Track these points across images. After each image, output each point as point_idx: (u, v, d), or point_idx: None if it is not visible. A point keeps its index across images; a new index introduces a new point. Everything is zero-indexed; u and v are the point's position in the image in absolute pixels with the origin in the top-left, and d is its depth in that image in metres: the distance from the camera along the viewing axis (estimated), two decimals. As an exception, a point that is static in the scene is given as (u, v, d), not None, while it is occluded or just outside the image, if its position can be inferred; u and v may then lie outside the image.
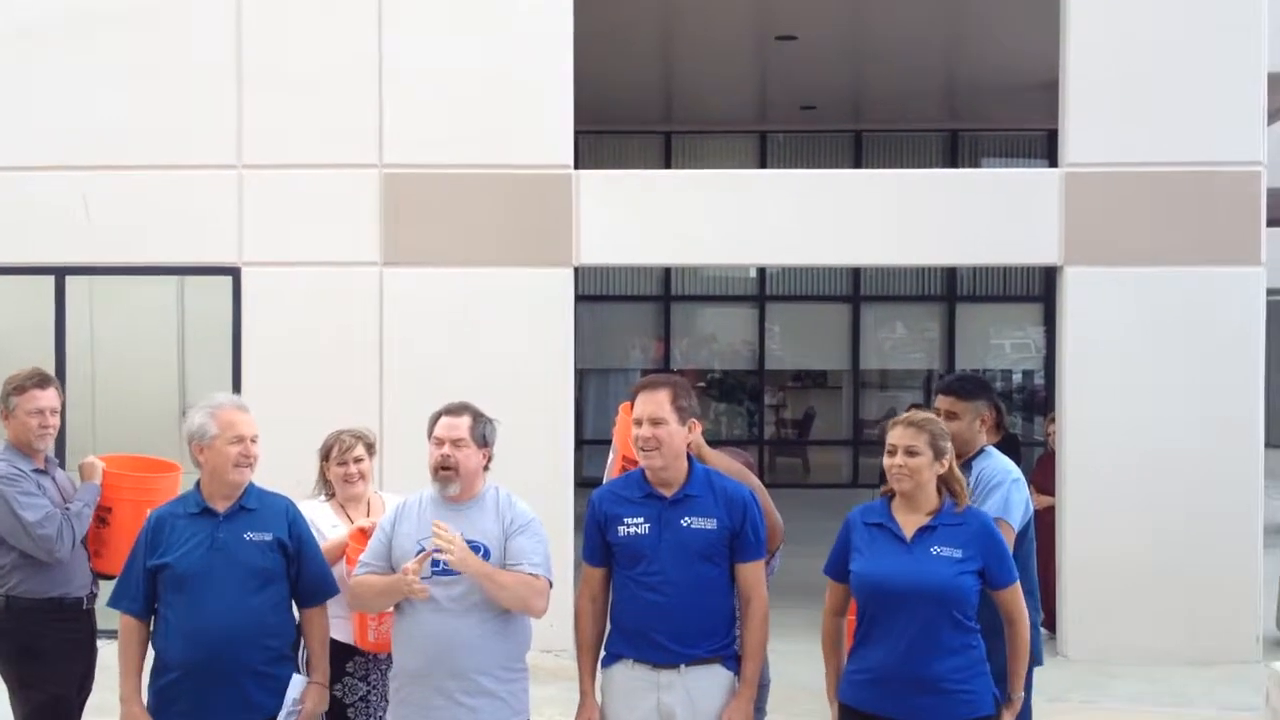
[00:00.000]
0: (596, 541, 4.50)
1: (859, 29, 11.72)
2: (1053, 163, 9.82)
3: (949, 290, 16.77)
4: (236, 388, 8.71)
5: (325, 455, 5.42)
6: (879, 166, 15.71)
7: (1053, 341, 10.45)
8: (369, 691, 5.22)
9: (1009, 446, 8.47)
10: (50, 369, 8.32)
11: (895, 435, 4.36)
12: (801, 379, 18.00)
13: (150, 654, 4.57)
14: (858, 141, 16.44)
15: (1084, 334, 8.83)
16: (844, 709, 4.38)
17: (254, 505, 4.61)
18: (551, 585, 4.47)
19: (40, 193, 8.92)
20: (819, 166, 15.74)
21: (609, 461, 5.02)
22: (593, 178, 9.13)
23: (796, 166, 15.83)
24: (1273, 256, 9.02)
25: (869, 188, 9.41)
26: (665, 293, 17.08)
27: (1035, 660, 4.96)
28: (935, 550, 4.26)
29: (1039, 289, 16.36)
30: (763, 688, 4.59)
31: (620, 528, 4.42)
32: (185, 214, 8.91)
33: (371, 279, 8.88)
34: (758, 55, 12.84)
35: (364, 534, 5.12)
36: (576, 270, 8.97)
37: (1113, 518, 8.69)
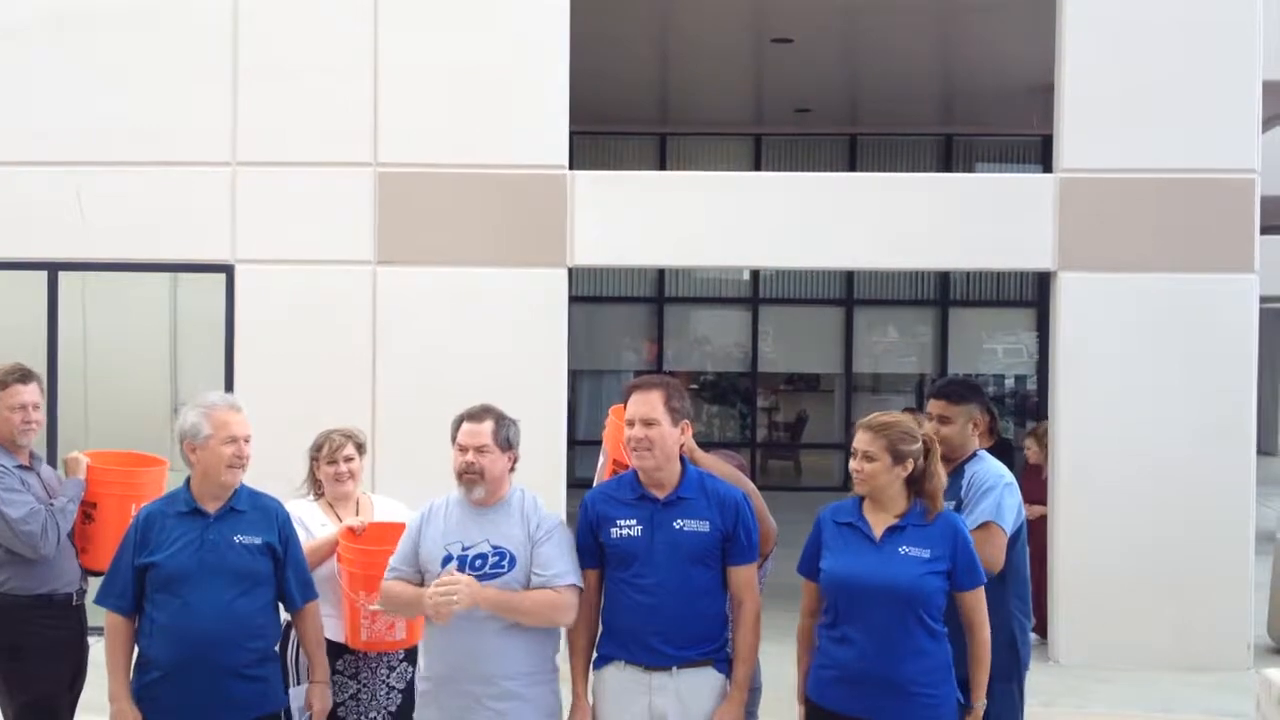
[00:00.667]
0: (589, 544, 4.48)
1: (855, 33, 11.73)
2: (1047, 168, 9.83)
3: (942, 294, 16.78)
4: (229, 385, 8.69)
5: (315, 454, 5.41)
6: (873, 170, 15.71)
7: (1045, 347, 10.46)
8: (359, 690, 5.20)
9: (1001, 451, 8.48)
10: (43, 365, 8.36)
11: (856, 438, 4.39)
12: (794, 382, 18.01)
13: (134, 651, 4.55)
14: (852, 145, 16.45)
15: (1077, 340, 8.84)
16: (810, 706, 4.39)
17: (244, 507, 4.59)
18: (580, 588, 4.44)
19: (34, 189, 8.90)
20: (813, 170, 15.72)
21: (599, 464, 5.01)
22: (587, 178, 9.12)
23: (791, 169, 15.82)
24: (1266, 264, 9.02)
25: (864, 191, 9.42)
26: (659, 294, 17.08)
27: (1024, 665, 4.96)
28: (903, 550, 4.28)
29: (1032, 294, 16.38)
30: (754, 691, 4.58)
31: (612, 530, 4.41)
32: (179, 211, 8.89)
33: (365, 278, 8.87)
34: (753, 58, 12.84)
35: (353, 533, 5.12)
36: (570, 271, 8.96)
37: (1105, 523, 8.70)
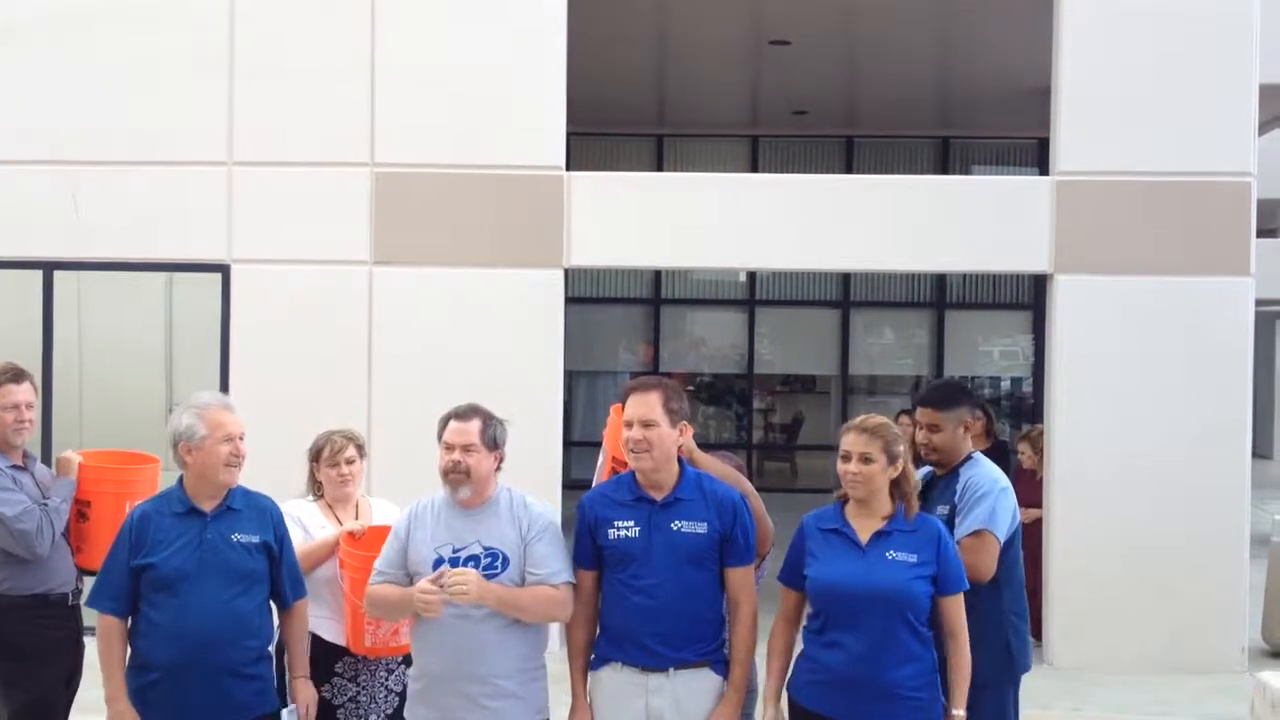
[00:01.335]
0: (587, 545, 4.48)
1: (852, 35, 11.73)
2: (1044, 171, 9.83)
3: (938, 297, 16.78)
4: (224, 385, 8.68)
5: (315, 456, 5.39)
6: (870, 173, 15.71)
7: (1041, 349, 10.46)
8: (358, 692, 5.20)
9: (999, 454, 8.49)
10: (37, 364, 8.34)
11: (849, 441, 4.37)
12: (790, 384, 18.01)
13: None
14: (849, 147, 16.45)
15: (1073, 342, 8.84)
16: (796, 707, 4.39)
17: (240, 506, 4.58)
18: (574, 584, 4.45)
19: (29, 187, 8.89)
20: (810, 172, 15.72)
21: (599, 464, 5.00)
22: (584, 179, 9.11)
23: (788, 171, 15.81)
24: (1261, 267, 9.03)
25: (861, 193, 9.41)
26: (655, 295, 17.07)
27: (1019, 673, 4.94)
28: (890, 555, 4.28)
29: (1028, 297, 16.39)
30: (750, 693, 4.57)
31: (610, 531, 4.40)
32: (175, 211, 8.88)
33: (361, 278, 8.86)
34: (751, 59, 12.84)
35: (353, 538, 5.10)
36: (567, 272, 8.95)
37: (1100, 525, 8.70)
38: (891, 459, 4.34)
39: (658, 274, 16.64)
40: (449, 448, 4.43)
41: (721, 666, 4.43)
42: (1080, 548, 8.73)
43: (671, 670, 4.35)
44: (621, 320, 17.22)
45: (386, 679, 5.23)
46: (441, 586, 4.26)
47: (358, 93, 8.85)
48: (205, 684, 4.38)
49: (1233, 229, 8.76)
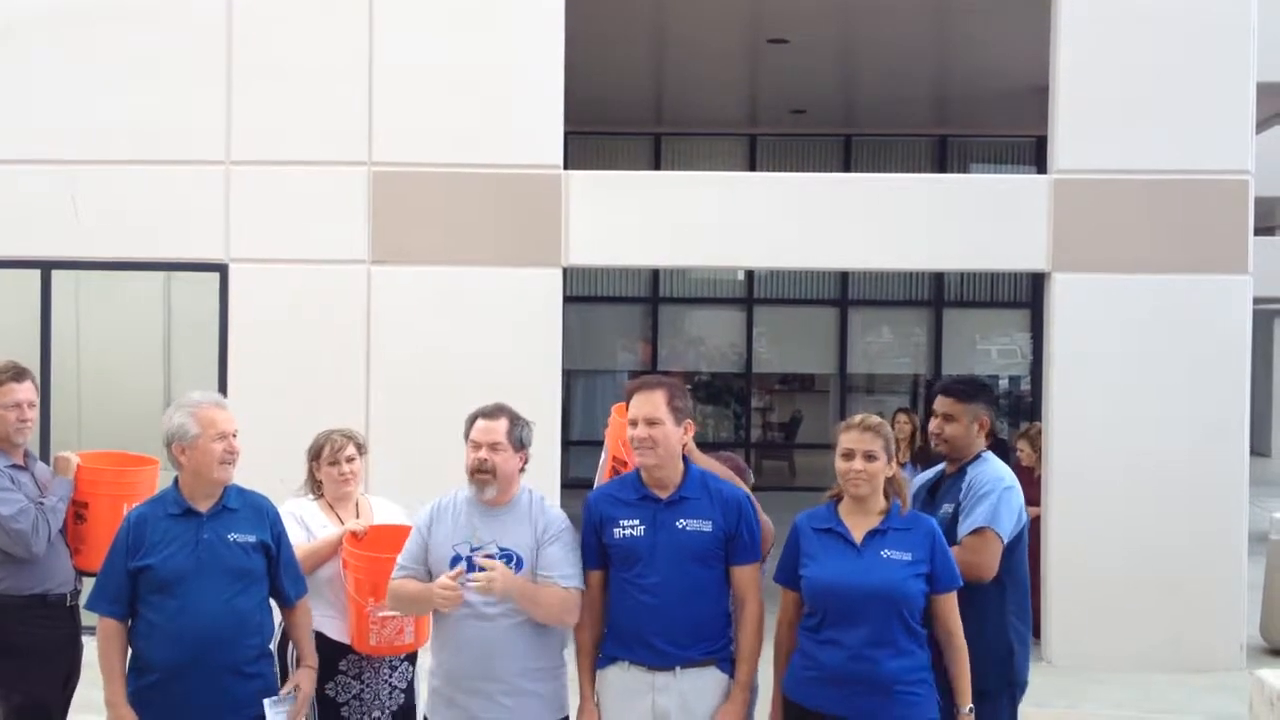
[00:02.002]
0: (593, 544, 4.49)
1: (850, 34, 11.73)
2: (1042, 169, 9.83)
3: (936, 295, 16.80)
4: (222, 385, 8.68)
5: (315, 455, 5.39)
6: (868, 171, 15.72)
7: (1039, 347, 10.46)
8: (362, 690, 5.20)
9: (998, 452, 8.48)
10: (36, 363, 8.33)
11: (852, 439, 4.38)
12: (788, 382, 18.01)
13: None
14: (847, 146, 16.45)
15: (1072, 340, 8.84)
16: (790, 705, 4.39)
17: (236, 505, 4.57)
18: (583, 590, 4.46)
19: (27, 187, 8.88)
20: (808, 170, 15.74)
21: (601, 463, 5.01)
22: (582, 178, 9.11)
23: (786, 170, 15.82)
24: (1259, 265, 9.04)
25: (859, 192, 9.41)
26: (653, 294, 17.07)
27: (1020, 677, 4.90)
28: (885, 553, 4.30)
29: (1026, 295, 16.40)
30: (751, 692, 4.57)
31: (615, 530, 4.41)
32: (172, 210, 8.87)
33: (359, 277, 8.86)
34: (749, 58, 12.83)
35: (355, 537, 5.10)
36: (565, 271, 8.95)
37: (1099, 524, 8.71)
38: (890, 457, 4.39)
39: (656, 273, 16.64)
40: (476, 445, 4.44)
41: (727, 665, 4.43)
42: (1078, 545, 8.74)
43: (678, 669, 4.35)
44: (620, 319, 17.22)
45: (390, 676, 5.24)
46: (478, 569, 4.26)
47: (356, 92, 8.84)
48: (206, 683, 4.38)
49: (1231, 227, 8.77)
